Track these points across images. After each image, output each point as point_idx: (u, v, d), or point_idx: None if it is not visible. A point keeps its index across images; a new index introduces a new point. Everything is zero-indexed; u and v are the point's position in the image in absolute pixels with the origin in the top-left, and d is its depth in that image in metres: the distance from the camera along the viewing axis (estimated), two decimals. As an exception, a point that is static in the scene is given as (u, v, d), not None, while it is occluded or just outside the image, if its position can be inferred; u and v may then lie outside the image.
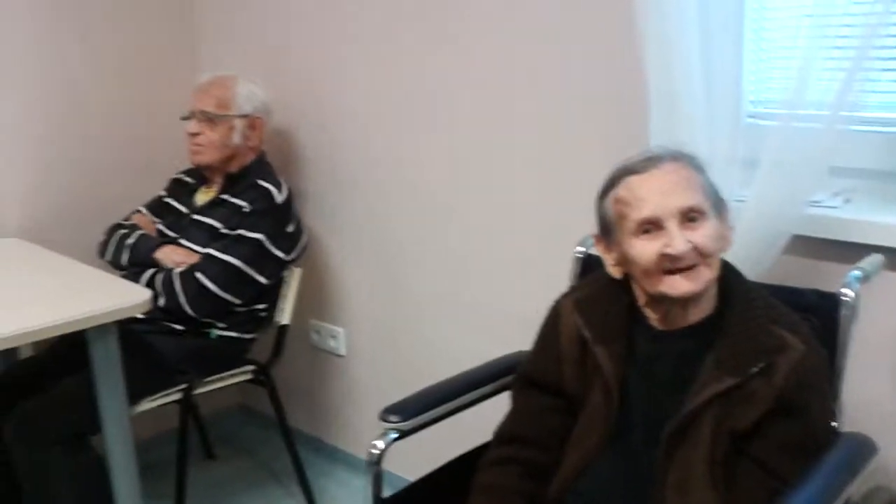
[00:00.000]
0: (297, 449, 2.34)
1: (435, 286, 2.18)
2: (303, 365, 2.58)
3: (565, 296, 1.34)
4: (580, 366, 1.25)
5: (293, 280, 2.26)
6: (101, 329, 1.78)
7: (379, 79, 2.17)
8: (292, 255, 2.19)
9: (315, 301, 2.48)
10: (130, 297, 1.83)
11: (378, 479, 1.27)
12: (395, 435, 1.30)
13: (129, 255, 2.14)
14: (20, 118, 2.31)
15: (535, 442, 1.28)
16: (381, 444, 1.29)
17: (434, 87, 2.04)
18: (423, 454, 1.51)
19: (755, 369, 1.14)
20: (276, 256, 2.13)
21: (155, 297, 1.93)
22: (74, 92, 2.39)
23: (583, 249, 1.51)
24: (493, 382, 1.44)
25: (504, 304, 2.00)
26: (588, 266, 1.48)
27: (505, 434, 1.31)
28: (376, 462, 1.27)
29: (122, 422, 1.87)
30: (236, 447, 2.76)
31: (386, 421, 1.31)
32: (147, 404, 2.03)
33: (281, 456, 2.63)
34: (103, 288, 1.91)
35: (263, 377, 2.25)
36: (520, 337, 1.68)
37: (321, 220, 2.41)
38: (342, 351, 2.49)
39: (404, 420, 1.30)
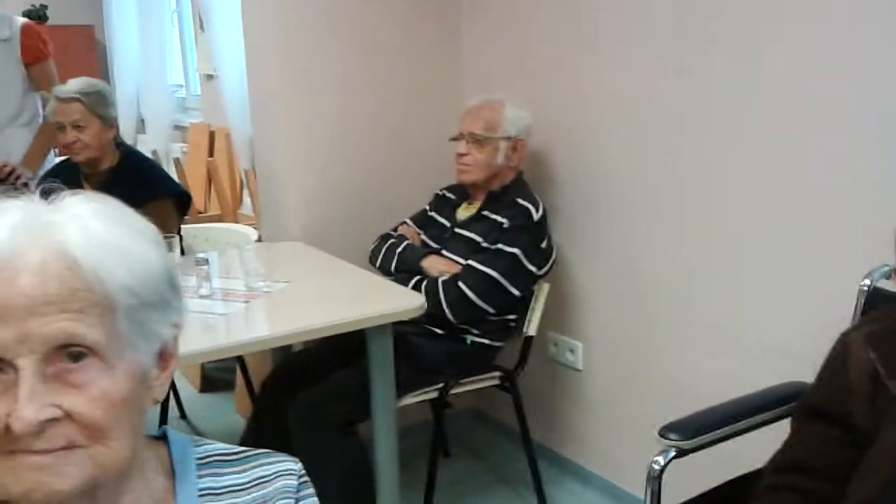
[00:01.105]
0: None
1: (678, 309, 2.20)
2: (539, 375, 2.68)
3: (855, 329, 1.33)
4: (871, 401, 1.24)
5: (541, 294, 2.38)
6: (380, 329, 1.98)
7: (628, 101, 2.24)
8: (543, 271, 2.31)
9: (556, 315, 2.57)
10: (406, 301, 2.02)
11: (656, 495, 1.33)
12: (674, 452, 1.35)
13: (397, 263, 2.35)
14: (308, 141, 2.62)
15: (816, 472, 1.28)
16: (661, 460, 1.34)
17: (692, 107, 2.07)
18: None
19: None
20: (530, 271, 2.25)
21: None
22: (354, 118, 2.66)
23: (867, 283, 1.49)
24: (772, 410, 1.45)
25: (756, 334, 1.98)
26: (873, 300, 1.46)
27: (785, 462, 1.32)
28: (656, 477, 1.32)
29: (389, 413, 2.06)
30: (469, 448, 2.91)
31: (665, 438, 1.36)
32: (409, 399, 2.22)
33: (512, 461, 2.76)
34: (380, 291, 2.12)
35: (508, 384, 2.38)
36: (775, 368, 1.68)
37: (568, 237, 2.50)
38: (579, 365, 2.57)
39: (684, 439, 1.35)
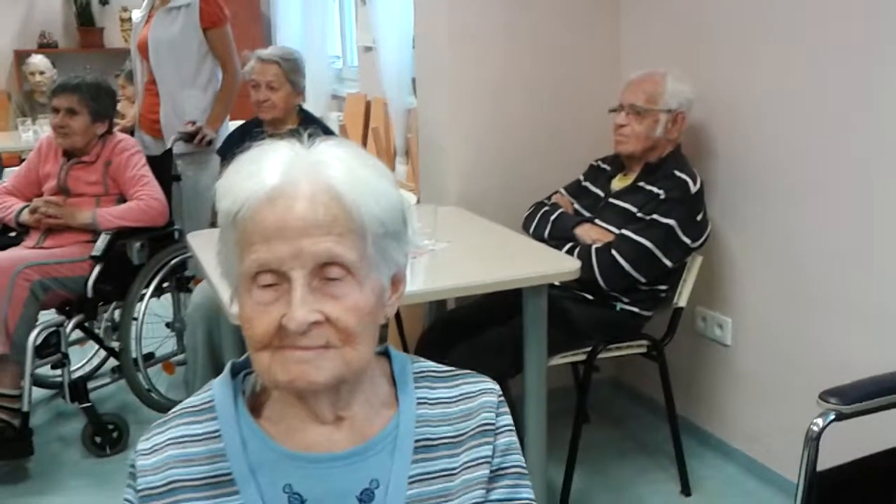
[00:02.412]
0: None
1: (834, 290, 2.17)
2: (684, 348, 2.71)
3: None
4: None
5: (694, 266, 2.40)
6: (536, 289, 2.08)
7: (790, 79, 2.22)
8: (698, 243, 2.33)
9: (706, 289, 2.58)
10: (562, 265, 2.11)
11: (814, 455, 1.37)
12: (833, 416, 1.39)
13: (550, 229, 2.43)
14: (470, 111, 2.73)
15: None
16: (820, 422, 1.38)
17: (857, 85, 2.04)
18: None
19: None
20: (684, 243, 2.28)
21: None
22: (513, 90, 2.76)
23: None
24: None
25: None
26: None
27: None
28: (814, 439, 1.36)
29: (540, 371, 2.16)
30: (607, 415, 2.97)
31: (826, 402, 1.39)
32: (557, 360, 2.31)
33: (652, 431, 2.81)
34: (535, 254, 2.22)
35: (656, 353, 2.43)
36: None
37: (722, 212, 2.51)
38: (727, 341, 2.58)
39: (844, 404, 1.38)
